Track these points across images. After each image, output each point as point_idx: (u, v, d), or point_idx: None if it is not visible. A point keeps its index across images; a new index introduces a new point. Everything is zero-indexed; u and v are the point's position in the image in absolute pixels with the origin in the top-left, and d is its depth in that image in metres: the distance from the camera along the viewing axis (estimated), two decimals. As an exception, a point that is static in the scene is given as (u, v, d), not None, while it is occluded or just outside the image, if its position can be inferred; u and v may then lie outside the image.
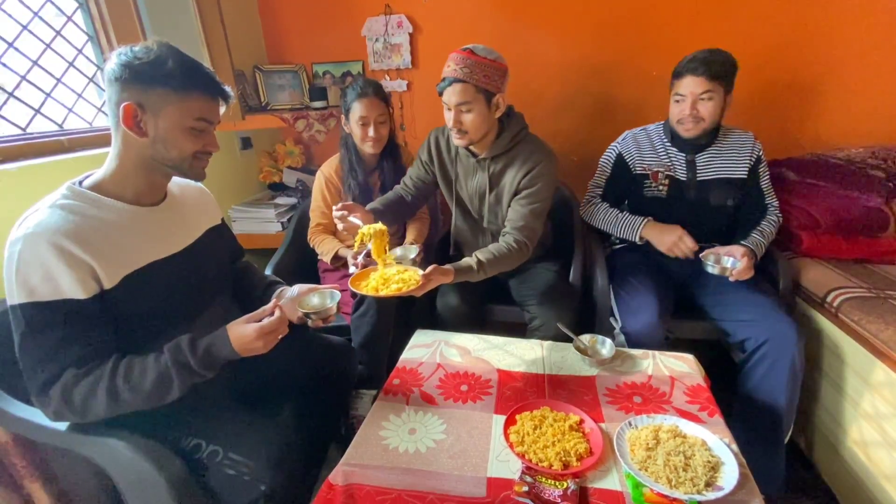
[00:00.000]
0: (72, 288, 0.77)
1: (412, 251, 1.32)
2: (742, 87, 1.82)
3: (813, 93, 1.80)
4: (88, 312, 0.79)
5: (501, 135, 1.36)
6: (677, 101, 1.42)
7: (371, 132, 1.49)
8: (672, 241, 1.41)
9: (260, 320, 0.87)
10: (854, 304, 1.24)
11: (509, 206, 1.39)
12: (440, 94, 1.29)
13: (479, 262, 1.26)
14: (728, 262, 1.33)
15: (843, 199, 1.49)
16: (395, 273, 1.12)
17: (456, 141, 1.35)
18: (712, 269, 1.33)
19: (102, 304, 0.81)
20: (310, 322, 0.99)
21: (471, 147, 1.38)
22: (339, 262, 1.60)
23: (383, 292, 1.07)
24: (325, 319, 1.00)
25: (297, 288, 1.06)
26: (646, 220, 1.47)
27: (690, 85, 1.36)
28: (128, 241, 0.86)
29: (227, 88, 0.90)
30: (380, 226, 1.15)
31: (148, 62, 0.80)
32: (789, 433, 1.28)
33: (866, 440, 1.18)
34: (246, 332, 0.84)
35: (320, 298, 1.04)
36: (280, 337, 0.89)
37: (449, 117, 1.30)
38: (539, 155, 1.35)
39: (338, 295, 1.02)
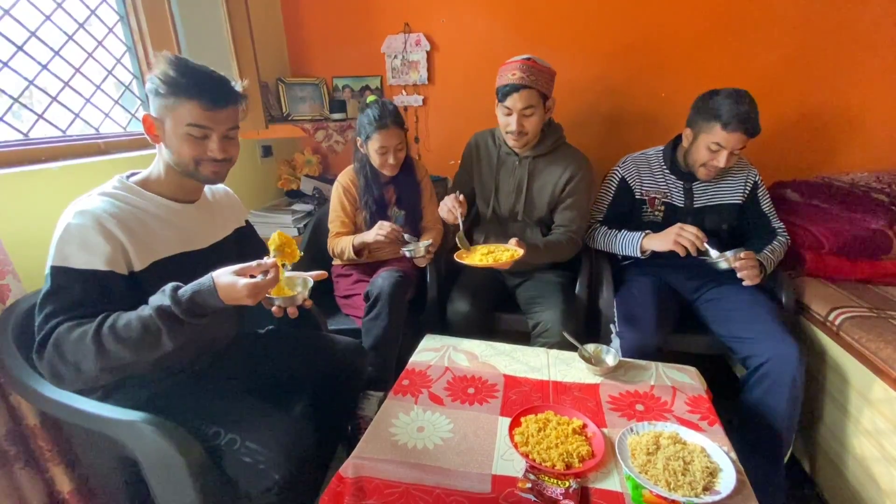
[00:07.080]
0: (102, 261, 0.84)
1: (425, 241, 1.51)
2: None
3: (818, 117, 1.84)
4: (110, 286, 0.86)
5: (545, 138, 1.53)
6: (712, 151, 1.38)
7: (391, 159, 1.52)
8: (674, 233, 1.37)
9: (250, 276, 0.87)
10: (855, 322, 1.26)
11: (548, 202, 1.56)
12: (502, 99, 1.41)
13: (544, 243, 1.50)
14: (729, 252, 1.30)
15: (846, 221, 1.53)
16: (489, 251, 1.37)
17: (513, 142, 1.49)
18: (716, 257, 1.30)
19: (129, 284, 0.88)
20: (274, 308, 0.95)
21: (514, 148, 1.53)
22: (362, 248, 1.57)
23: (484, 262, 1.30)
24: (290, 308, 0.95)
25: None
26: (644, 233, 1.50)
27: (734, 141, 1.34)
28: (161, 232, 0.95)
29: (230, 89, 0.92)
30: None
31: (153, 76, 0.90)
32: (789, 452, 1.29)
33: (867, 456, 1.19)
34: (237, 287, 0.83)
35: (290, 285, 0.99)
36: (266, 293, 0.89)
37: (510, 121, 1.42)
38: (579, 162, 1.53)
39: (310, 282, 0.98)
